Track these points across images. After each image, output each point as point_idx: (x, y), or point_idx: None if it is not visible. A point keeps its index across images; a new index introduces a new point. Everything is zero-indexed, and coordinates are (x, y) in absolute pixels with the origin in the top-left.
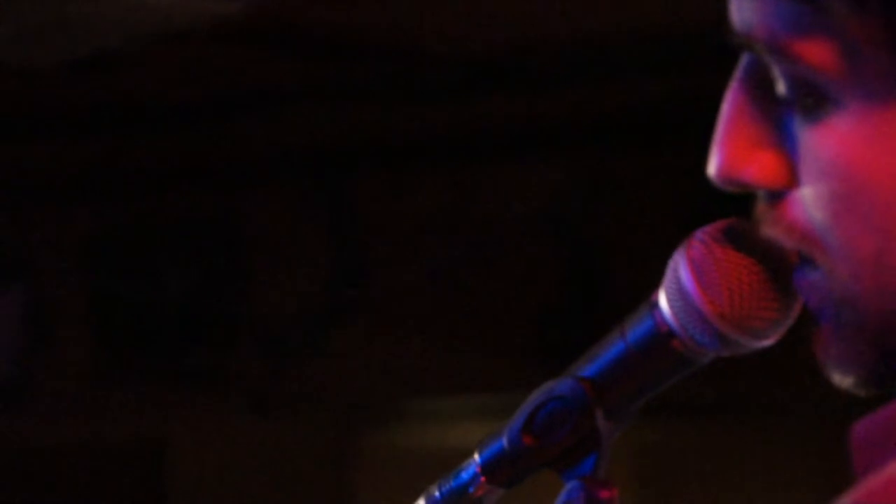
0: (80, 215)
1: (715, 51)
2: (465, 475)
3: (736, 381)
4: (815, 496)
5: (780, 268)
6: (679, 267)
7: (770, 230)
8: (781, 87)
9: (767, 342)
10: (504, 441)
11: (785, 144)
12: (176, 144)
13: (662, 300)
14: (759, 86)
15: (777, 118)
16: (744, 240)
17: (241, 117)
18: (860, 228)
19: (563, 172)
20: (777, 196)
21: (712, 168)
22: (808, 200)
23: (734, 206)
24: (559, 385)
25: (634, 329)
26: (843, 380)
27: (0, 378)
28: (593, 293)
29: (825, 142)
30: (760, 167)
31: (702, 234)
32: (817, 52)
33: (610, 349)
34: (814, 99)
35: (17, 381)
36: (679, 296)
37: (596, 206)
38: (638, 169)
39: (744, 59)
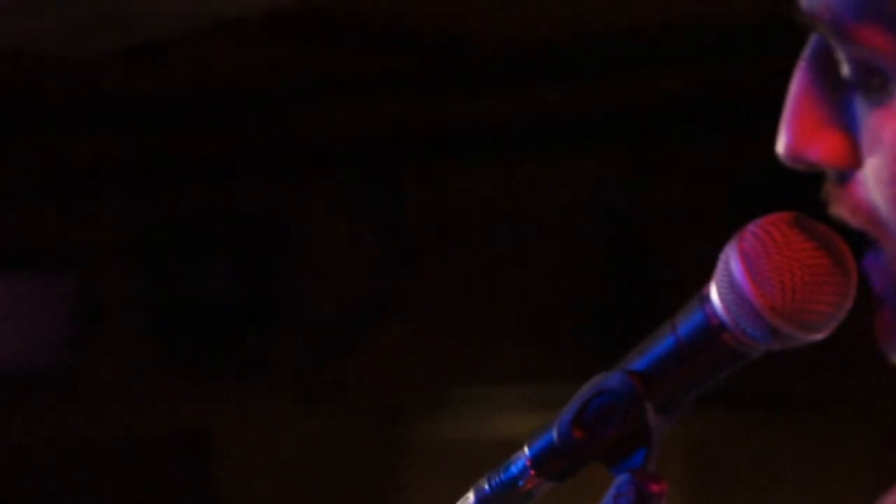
0: (131, 207)
1: (762, 41)
2: (514, 468)
3: (786, 374)
4: (869, 493)
5: (834, 260)
6: (731, 259)
7: (836, 210)
8: (846, 70)
9: (820, 336)
10: (554, 434)
11: (850, 125)
12: (224, 137)
13: (714, 293)
14: (825, 67)
15: (842, 100)
16: (797, 232)
17: (290, 109)
18: None
19: (610, 164)
20: (843, 176)
21: (780, 147)
22: (871, 182)
23: (784, 198)
24: (609, 378)
25: (685, 322)
26: None
27: (50, 368)
28: (640, 284)
29: (887, 124)
30: (826, 146)
31: (754, 227)
32: (877, 37)
33: (660, 343)
34: (877, 81)
35: (66, 371)
36: (730, 289)
37: (643, 198)
38: (685, 160)
39: (811, 41)
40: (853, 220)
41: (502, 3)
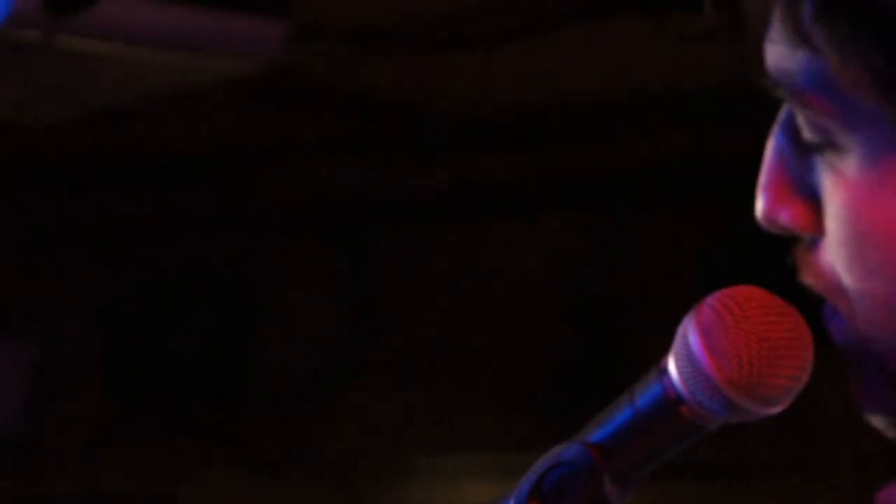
0: (93, 272)
1: (732, 109)
2: None
3: (746, 444)
4: None
5: (792, 334)
6: (688, 333)
7: (804, 276)
8: (805, 133)
9: (777, 409)
10: None
11: (814, 191)
12: (188, 202)
13: (671, 366)
14: (794, 133)
15: (808, 166)
16: (755, 306)
17: (254, 174)
18: (870, 275)
19: (578, 230)
20: (814, 242)
21: (756, 209)
22: (830, 247)
23: (750, 266)
24: (567, 450)
25: (643, 394)
26: (873, 420)
27: (10, 432)
28: (607, 353)
29: (839, 189)
30: (792, 212)
31: (712, 300)
32: (824, 104)
33: (619, 414)
34: (831, 146)
35: (26, 435)
36: (688, 361)
37: (611, 265)
38: (654, 227)
39: (784, 107)
40: (817, 286)
41: (469, 70)
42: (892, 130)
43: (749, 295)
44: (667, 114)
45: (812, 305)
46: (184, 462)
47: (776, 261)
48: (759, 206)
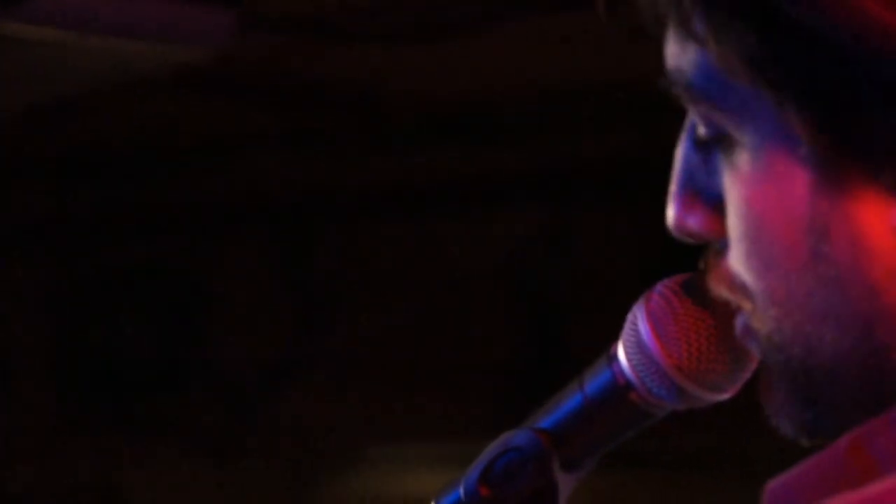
0: (42, 264)
1: (674, 103)
2: None
3: (692, 431)
4: None
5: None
6: (638, 320)
7: (713, 281)
8: (701, 129)
9: (724, 395)
10: (461, 492)
11: (719, 195)
12: (137, 193)
13: (621, 353)
14: (697, 136)
15: (713, 168)
16: (703, 293)
17: (202, 166)
18: (765, 271)
19: (524, 225)
20: (722, 247)
21: (668, 217)
22: (731, 246)
23: (696, 260)
24: (516, 436)
25: (593, 381)
26: (781, 427)
27: None
28: (553, 345)
29: (734, 185)
30: (698, 219)
31: (661, 288)
32: (704, 91)
33: (568, 401)
34: (725, 142)
35: None
36: (637, 348)
37: (556, 259)
38: (599, 222)
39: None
40: (723, 291)
41: (414, 66)
42: (775, 118)
43: (698, 282)
44: (616, 109)
45: None
46: (132, 454)
47: None
48: (669, 214)
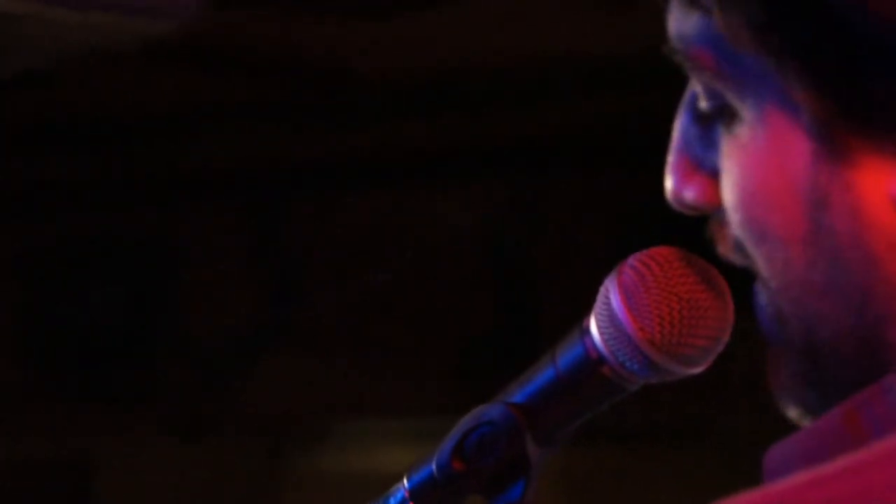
0: (11, 232)
1: (652, 74)
2: (393, 500)
3: (667, 406)
4: None
5: (712, 294)
6: (610, 292)
7: (720, 249)
8: (702, 101)
9: (697, 369)
10: (433, 466)
11: (717, 165)
12: (106, 163)
13: (593, 326)
14: (697, 108)
15: (712, 140)
16: (676, 266)
17: (172, 137)
18: (763, 240)
19: (496, 196)
20: (723, 215)
21: (666, 190)
22: (729, 215)
23: (672, 231)
24: (489, 410)
25: (565, 355)
26: (786, 408)
27: None
28: (525, 318)
29: (731, 154)
30: (698, 188)
31: (633, 261)
32: (707, 58)
33: (540, 375)
34: (726, 111)
35: None
36: (609, 322)
37: (529, 231)
38: (572, 194)
39: (690, 83)
40: (734, 258)
41: (387, 36)
42: (778, 86)
43: (670, 255)
44: (588, 79)
45: (733, 270)
46: (102, 427)
47: (699, 227)
48: (668, 186)
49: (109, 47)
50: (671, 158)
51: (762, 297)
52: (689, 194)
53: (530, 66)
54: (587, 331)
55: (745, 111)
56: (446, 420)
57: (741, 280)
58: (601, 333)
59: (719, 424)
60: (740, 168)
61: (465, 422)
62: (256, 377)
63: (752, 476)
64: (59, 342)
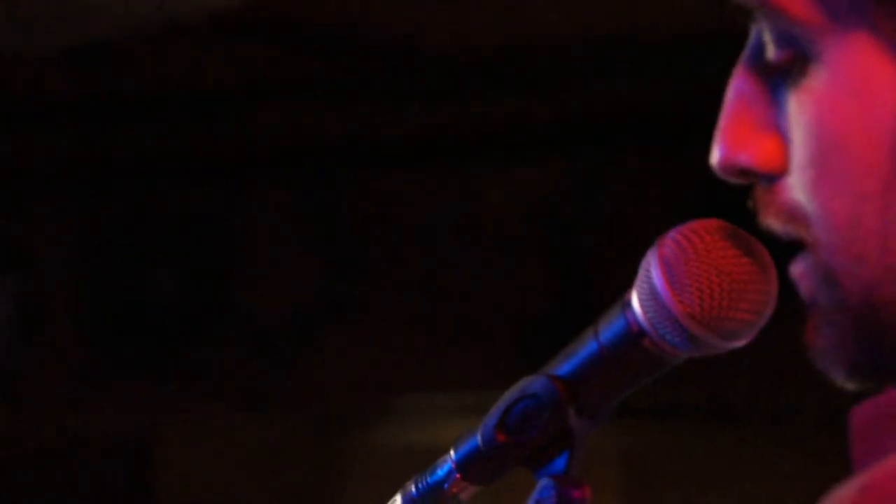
0: (74, 209)
1: (711, 53)
2: (440, 472)
3: (723, 383)
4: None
5: (755, 268)
6: (650, 266)
7: (764, 216)
8: (771, 52)
9: (739, 343)
10: (478, 438)
11: (782, 126)
12: (169, 139)
13: (634, 300)
14: (761, 66)
15: (775, 98)
16: (718, 239)
17: (234, 113)
18: (835, 193)
19: (558, 175)
20: (772, 180)
21: (713, 157)
22: (795, 175)
23: (727, 208)
24: (532, 383)
25: (607, 328)
26: (830, 370)
27: None
28: (583, 294)
29: (805, 104)
30: (758, 149)
31: (675, 234)
32: (795, 4)
33: (583, 348)
34: (800, 58)
35: (5, 374)
36: (650, 295)
37: (589, 208)
38: (632, 171)
39: (749, 42)
40: (780, 225)
41: (449, 12)
42: (868, 19)
43: (712, 228)
44: (650, 56)
45: (779, 244)
46: (165, 402)
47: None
48: (716, 152)
49: (174, 20)
50: (724, 120)
51: (807, 262)
52: (746, 157)
53: (591, 43)
54: (629, 304)
55: (824, 54)
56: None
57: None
58: (642, 306)
59: (775, 401)
60: (814, 118)
61: (509, 394)
62: (318, 353)
63: (812, 456)
64: (122, 319)
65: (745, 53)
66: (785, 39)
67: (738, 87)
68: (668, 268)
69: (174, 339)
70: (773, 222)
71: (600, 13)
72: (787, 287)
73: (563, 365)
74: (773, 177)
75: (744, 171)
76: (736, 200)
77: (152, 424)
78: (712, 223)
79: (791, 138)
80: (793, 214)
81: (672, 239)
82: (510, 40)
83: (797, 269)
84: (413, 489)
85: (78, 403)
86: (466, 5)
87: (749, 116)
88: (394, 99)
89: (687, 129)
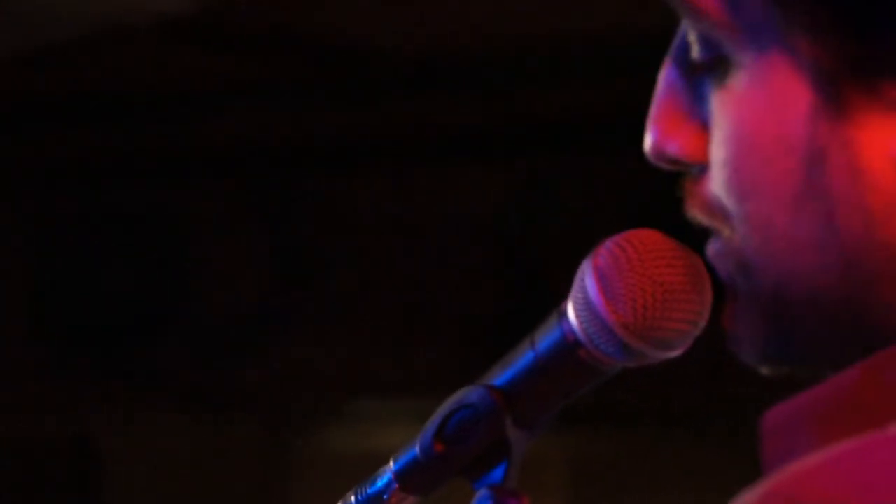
0: (20, 208)
1: (656, 56)
2: (380, 482)
3: (668, 387)
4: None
5: (688, 278)
6: (585, 275)
7: (690, 206)
8: (696, 51)
9: (674, 353)
10: (417, 448)
11: (705, 118)
12: (119, 139)
13: (570, 309)
14: (686, 60)
15: (699, 92)
16: (651, 249)
17: (185, 114)
18: (749, 195)
19: (508, 179)
20: (701, 171)
21: (646, 144)
22: (714, 170)
23: (677, 213)
24: (470, 393)
25: (543, 338)
26: (743, 354)
27: None
28: (534, 302)
29: (724, 106)
30: (682, 141)
31: (609, 243)
32: (715, 7)
33: (520, 358)
34: (722, 60)
35: None
36: (584, 305)
37: (538, 214)
38: (584, 177)
39: (677, 35)
40: (702, 216)
41: (396, 13)
42: (780, 33)
43: (646, 238)
44: (600, 59)
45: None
46: (107, 403)
47: None
48: (648, 139)
49: (121, 23)
50: (654, 110)
51: (721, 245)
52: (673, 147)
53: (541, 46)
54: (564, 314)
55: (744, 61)
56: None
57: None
58: (577, 316)
59: (721, 409)
60: (734, 120)
61: (447, 404)
62: (266, 355)
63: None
64: (68, 319)
65: (673, 46)
66: (707, 42)
67: (667, 78)
68: (602, 278)
69: (122, 340)
70: (696, 213)
71: (551, 16)
72: (721, 294)
73: (501, 375)
74: (701, 167)
75: (672, 160)
76: (681, 205)
77: (96, 425)
78: (646, 233)
79: (712, 134)
80: (712, 208)
81: (606, 249)
82: (459, 44)
83: (712, 249)
84: (353, 500)
85: (21, 403)
86: (412, 7)
87: (676, 107)
88: (342, 103)
89: (636, 135)
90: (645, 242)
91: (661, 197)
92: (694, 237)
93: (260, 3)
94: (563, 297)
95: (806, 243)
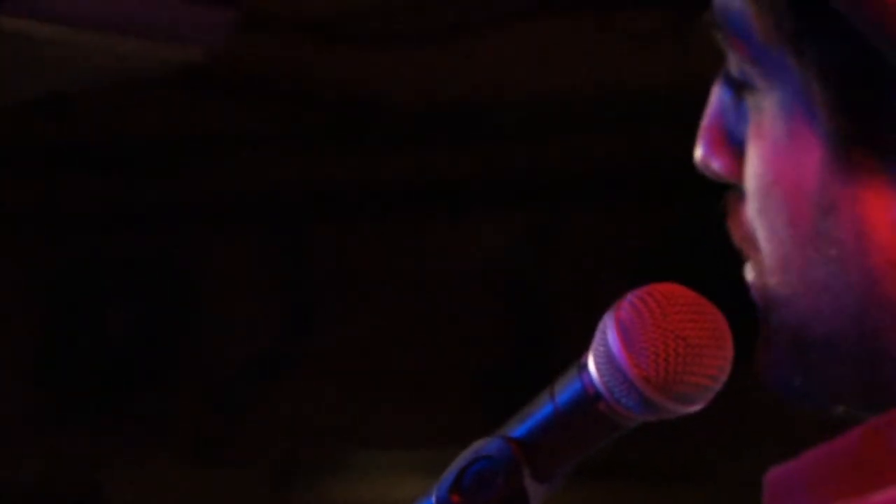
0: (24, 254)
1: (672, 109)
2: None
3: (671, 442)
4: None
5: (710, 332)
6: (607, 329)
7: (729, 223)
8: (734, 71)
9: (694, 408)
10: (433, 501)
11: (743, 141)
12: (127, 186)
13: (591, 362)
14: (732, 77)
15: (742, 112)
16: (674, 303)
17: (193, 163)
18: (773, 234)
19: (515, 228)
20: (743, 191)
21: (695, 155)
22: (748, 197)
23: (687, 266)
24: (487, 445)
25: (563, 390)
26: (768, 386)
27: None
28: (541, 351)
29: (756, 140)
30: (724, 160)
31: (632, 297)
32: (741, 45)
33: (539, 410)
34: (756, 91)
35: None
36: (606, 358)
37: (547, 264)
38: (591, 227)
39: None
40: (737, 236)
41: (407, 65)
42: (800, 89)
43: (669, 292)
44: (606, 113)
45: (740, 306)
46: (113, 450)
47: (715, 263)
48: (697, 151)
49: (132, 72)
50: (703, 124)
51: (760, 276)
52: (716, 164)
53: (551, 98)
54: (585, 367)
55: (770, 101)
56: (460, 452)
57: (748, 322)
58: (598, 369)
59: (728, 466)
60: (760, 157)
61: (464, 456)
62: (269, 405)
63: None
64: (69, 365)
65: (726, 63)
66: (740, 71)
67: (718, 94)
68: (624, 331)
69: (122, 388)
70: (734, 233)
71: (560, 69)
72: (741, 350)
73: (519, 427)
74: (742, 187)
75: (718, 175)
76: (694, 261)
77: (100, 473)
78: (670, 287)
79: (747, 161)
80: (746, 233)
81: (629, 302)
82: (469, 94)
83: (749, 276)
84: None
85: (25, 452)
86: (425, 59)
87: (720, 124)
88: (350, 152)
89: (645, 187)
90: (667, 296)
91: (669, 250)
92: (710, 286)
93: (272, 55)
94: (569, 350)
95: (821, 286)
